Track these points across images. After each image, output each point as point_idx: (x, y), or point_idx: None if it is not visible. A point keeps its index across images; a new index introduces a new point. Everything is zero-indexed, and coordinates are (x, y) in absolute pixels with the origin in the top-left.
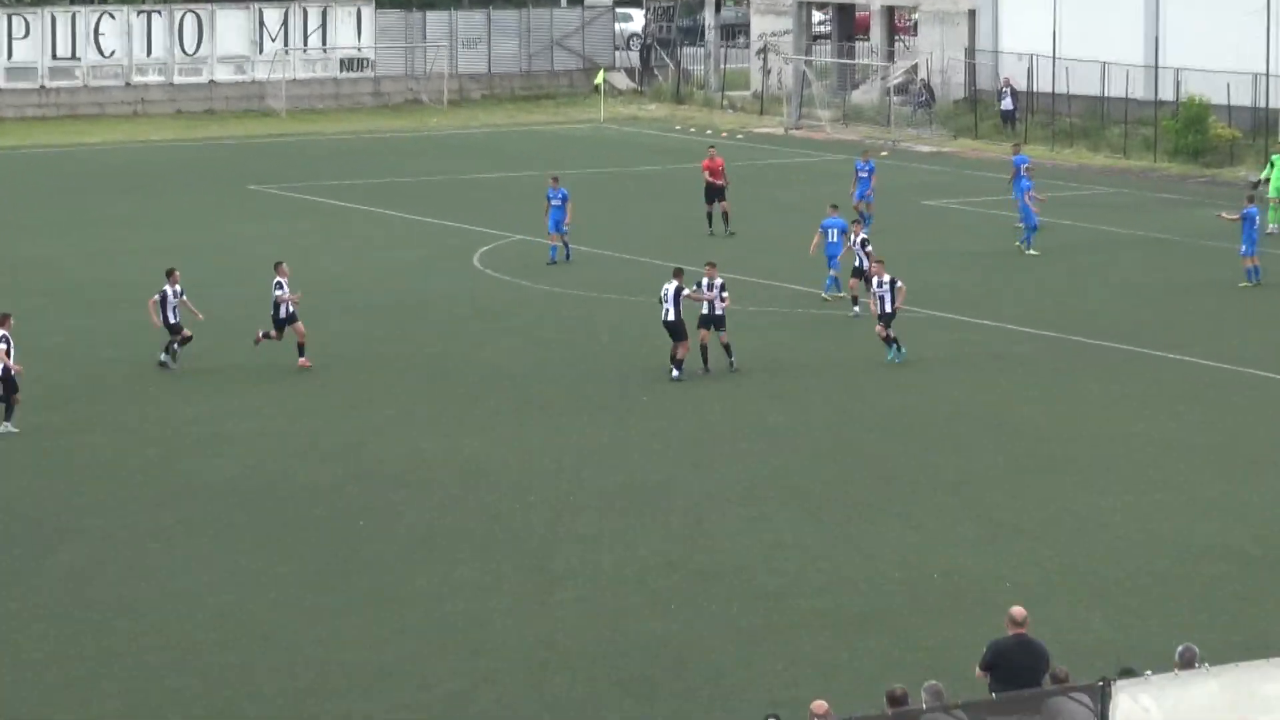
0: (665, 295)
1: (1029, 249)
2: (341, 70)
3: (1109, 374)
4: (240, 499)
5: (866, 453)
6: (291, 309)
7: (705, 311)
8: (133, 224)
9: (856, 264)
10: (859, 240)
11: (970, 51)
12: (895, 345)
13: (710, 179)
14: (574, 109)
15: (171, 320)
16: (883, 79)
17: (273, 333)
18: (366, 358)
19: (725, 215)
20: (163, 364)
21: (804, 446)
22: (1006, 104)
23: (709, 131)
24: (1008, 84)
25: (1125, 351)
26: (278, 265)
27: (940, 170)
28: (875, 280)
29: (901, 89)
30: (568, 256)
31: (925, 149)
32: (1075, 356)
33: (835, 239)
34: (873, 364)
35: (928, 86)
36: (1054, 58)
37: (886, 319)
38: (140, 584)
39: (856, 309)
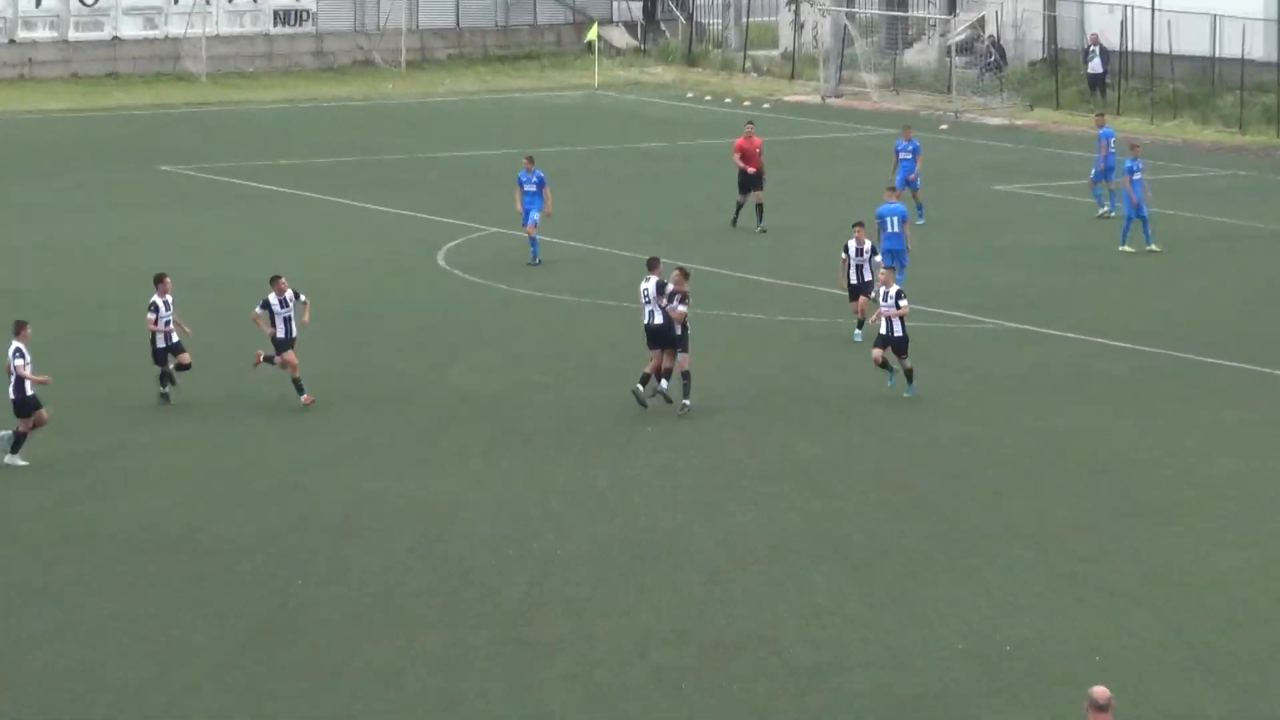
0: (646, 294)
1: (1125, 245)
2: (275, 25)
3: (1222, 399)
4: (152, 552)
5: (921, 496)
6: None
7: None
8: (18, 213)
9: (855, 280)
10: (867, 249)
11: (1050, 2)
12: (890, 371)
13: (742, 163)
14: (562, 72)
15: (166, 341)
16: (942, 36)
17: (277, 358)
18: (308, 378)
19: (759, 208)
20: (164, 396)
21: (844, 488)
22: (1095, 66)
23: (727, 100)
24: (1096, 42)
25: (1242, 371)
26: (274, 280)
27: (1013, 148)
28: (881, 292)
29: (965, 48)
30: (537, 257)
31: (994, 122)
32: (1180, 377)
33: (896, 228)
34: (927, 386)
35: (997, 45)
36: (1153, 9)
37: (884, 342)
38: (25, 656)
39: (859, 334)
